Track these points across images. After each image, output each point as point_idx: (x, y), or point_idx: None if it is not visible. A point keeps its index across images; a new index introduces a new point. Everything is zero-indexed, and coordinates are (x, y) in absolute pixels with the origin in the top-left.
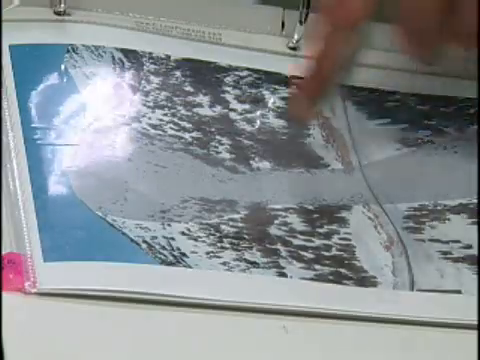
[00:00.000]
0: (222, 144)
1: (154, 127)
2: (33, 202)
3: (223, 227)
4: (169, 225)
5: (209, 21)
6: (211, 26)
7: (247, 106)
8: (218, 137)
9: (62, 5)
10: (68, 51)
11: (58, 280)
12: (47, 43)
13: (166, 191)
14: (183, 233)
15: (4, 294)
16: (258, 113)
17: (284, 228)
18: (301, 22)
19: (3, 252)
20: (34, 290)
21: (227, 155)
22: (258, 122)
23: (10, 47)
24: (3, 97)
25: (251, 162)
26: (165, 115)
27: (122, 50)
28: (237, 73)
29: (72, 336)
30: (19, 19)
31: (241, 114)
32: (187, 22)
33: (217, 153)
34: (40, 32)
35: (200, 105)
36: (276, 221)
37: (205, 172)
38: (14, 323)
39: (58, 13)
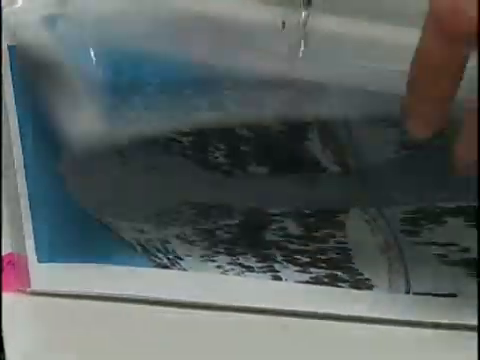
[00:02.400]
0: (219, 149)
1: (151, 130)
2: (28, 202)
3: (218, 233)
4: (164, 228)
5: None
6: None
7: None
8: (215, 142)
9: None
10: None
11: (51, 281)
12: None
13: (161, 195)
14: (178, 236)
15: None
16: (257, 117)
17: (280, 233)
18: (301, 22)
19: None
20: (28, 290)
21: (224, 160)
22: (257, 127)
23: (9, 47)
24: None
25: (248, 167)
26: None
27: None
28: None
29: (65, 336)
30: (19, 19)
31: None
32: None
33: (214, 158)
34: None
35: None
36: (272, 226)
37: (201, 177)
38: (8, 321)
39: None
